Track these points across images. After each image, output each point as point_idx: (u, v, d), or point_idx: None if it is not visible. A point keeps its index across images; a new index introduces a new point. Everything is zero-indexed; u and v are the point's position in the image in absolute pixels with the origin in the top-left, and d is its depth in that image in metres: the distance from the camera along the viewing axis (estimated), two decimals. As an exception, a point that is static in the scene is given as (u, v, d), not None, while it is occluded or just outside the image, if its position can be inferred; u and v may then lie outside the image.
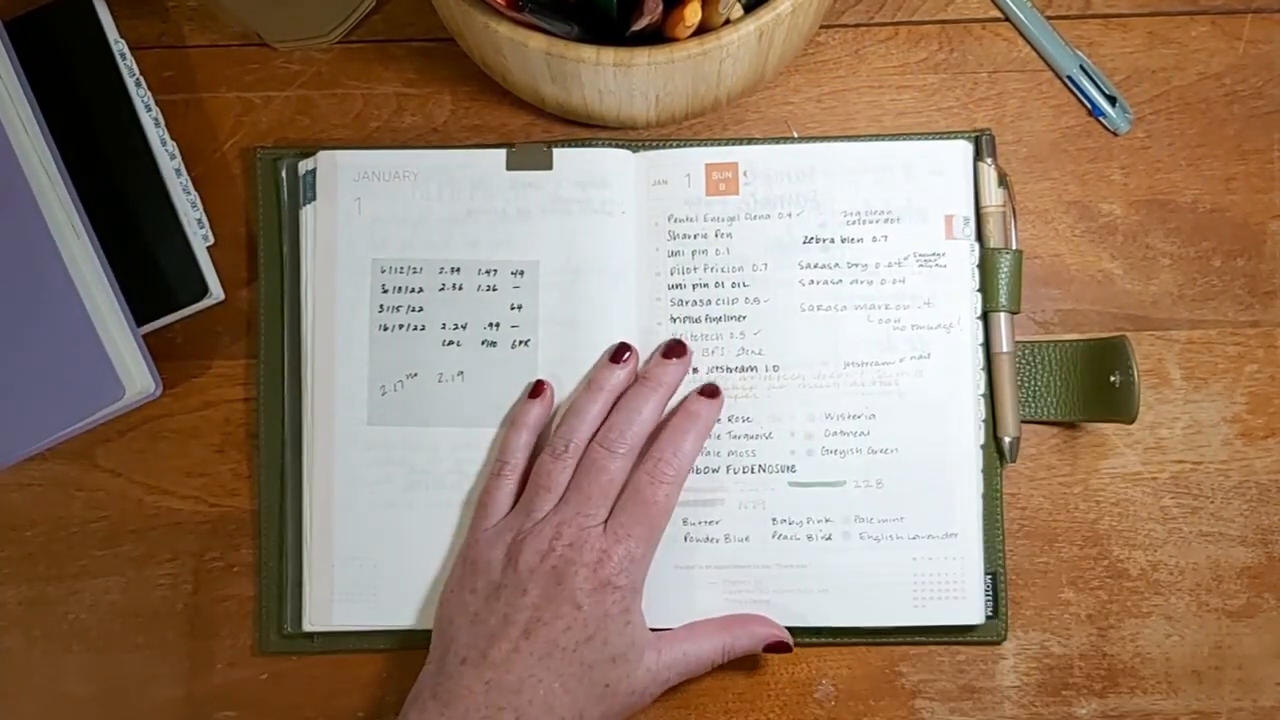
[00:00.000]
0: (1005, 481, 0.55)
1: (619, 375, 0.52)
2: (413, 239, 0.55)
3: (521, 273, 0.54)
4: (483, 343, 0.54)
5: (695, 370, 0.54)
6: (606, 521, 0.50)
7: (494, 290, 0.54)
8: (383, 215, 0.55)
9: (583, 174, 0.54)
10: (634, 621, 0.49)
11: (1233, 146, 0.57)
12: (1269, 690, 0.54)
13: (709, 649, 0.51)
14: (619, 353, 0.53)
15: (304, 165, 0.55)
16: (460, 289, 0.54)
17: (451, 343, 0.54)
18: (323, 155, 0.55)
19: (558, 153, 0.54)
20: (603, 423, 0.52)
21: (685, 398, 0.53)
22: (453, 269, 0.54)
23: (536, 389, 0.53)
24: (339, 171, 0.55)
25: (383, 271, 0.54)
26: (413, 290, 0.54)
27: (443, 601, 0.52)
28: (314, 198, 0.55)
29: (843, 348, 0.54)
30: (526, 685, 0.47)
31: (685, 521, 0.53)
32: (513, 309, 0.54)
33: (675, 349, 0.53)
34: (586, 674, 0.48)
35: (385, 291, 0.54)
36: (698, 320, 0.54)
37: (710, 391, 0.53)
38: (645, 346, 0.54)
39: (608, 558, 0.49)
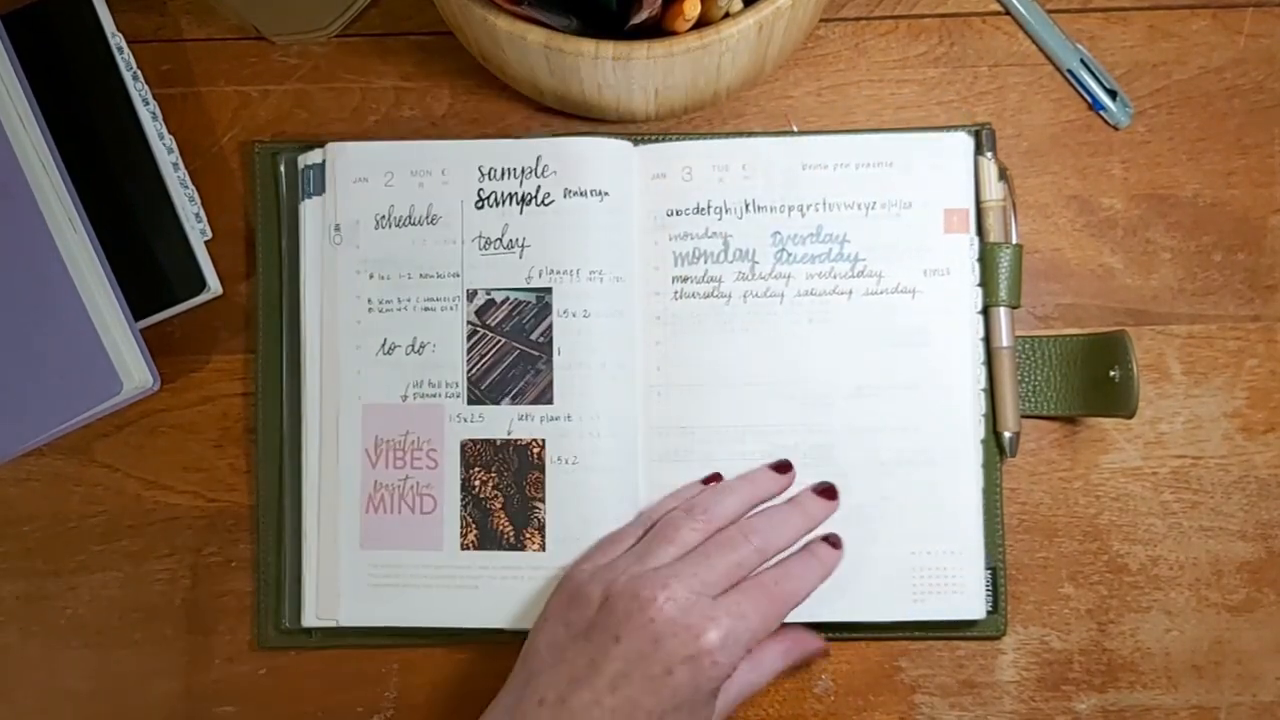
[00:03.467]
0: (1005, 476, 0.55)
1: (775, 483, 0.52)
2: (413, 233, 0.54)
3: (536, 268, 0.54)
4: (494, 342, 0.54)
5: (688, 365, 0.54)
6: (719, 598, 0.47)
7: (508, 284, 0.54)
8: (383, 210, 0.54)
9: (583, 166, 0.54)
10: (717, 695, 0.47)
11: (1233, 140, 0.57)
12: (1269, 685, 0.54)
13: (768, 672, 0.50)
14: (783, 467, 0.52)
15: (303, 159, 0.55)
16: (471, 285, 0.54)
17: (453, 344, 0.54)
18: (331, 147, 0.55)
19: (558, 144, 0.54)
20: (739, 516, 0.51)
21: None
22: (463, 263, 0.54)
23: (712, 478, 0.53)
24: (344, 163, 0.54)
25: (383, 266, 0.54)
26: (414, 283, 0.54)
27: (535, 627, 0.49)
28: (317, 191, 0.55)
29: (842, 342, 0.54)
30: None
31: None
32: (519, 310, 0.54)
33: (829, 491, 0.52)
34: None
35: (386, 285, 0.54)
36: (700, 312, 0.54)
37: (828, 492, 0.53)
38: (646, 342, 0.54)
39: (715, 627, 0.45)
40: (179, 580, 0.55)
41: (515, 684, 0.48)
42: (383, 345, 0.54)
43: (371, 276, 0.54)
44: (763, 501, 0.52)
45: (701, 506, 0.50)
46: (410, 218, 0.54)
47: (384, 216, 0.54)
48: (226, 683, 0.55)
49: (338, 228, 0.55)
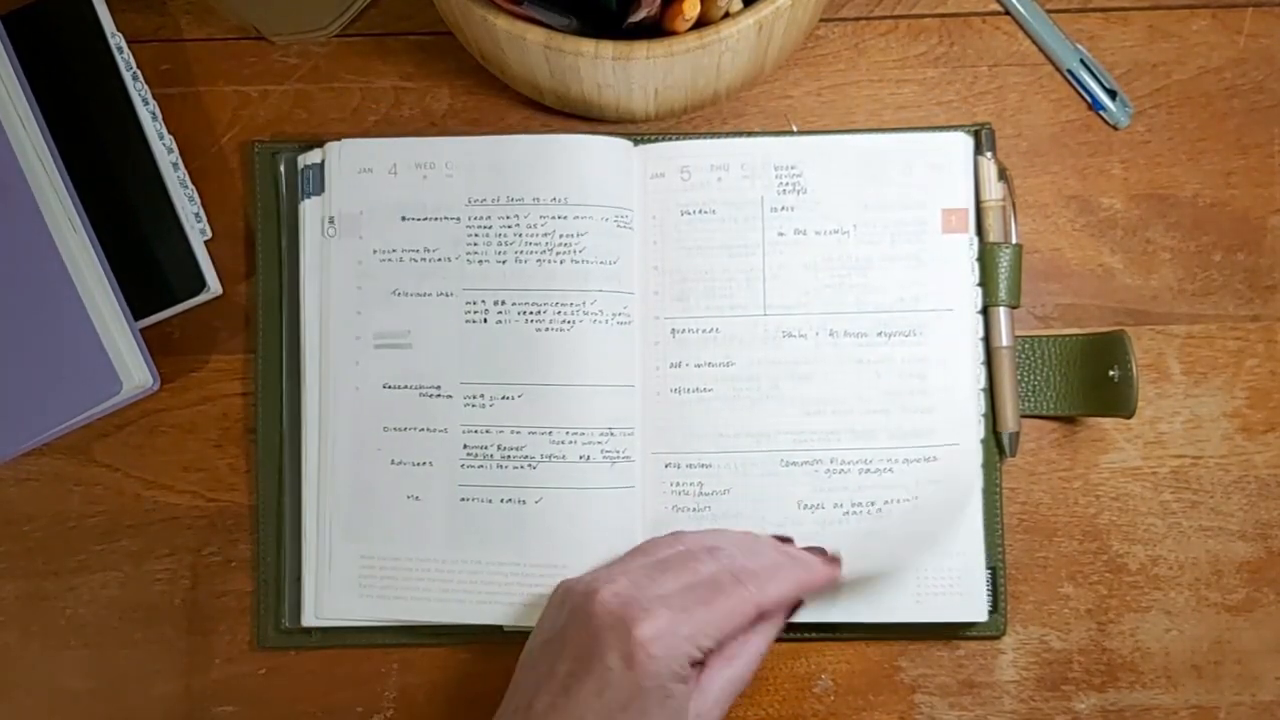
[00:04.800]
0: (1005, 476, 0.55)
1: (786, 553, 0.50)
2: (413, 226, 0.54)
3: (537, 268, 0.54)
4: (496, 339, 0.54)
5: (688, 363, 0.54)
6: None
7: (508, 283, 0.54)
8: (385, 202, 0.54)
9: (582, 165, 0.54)
10: (675, 695, 0.44)
11: (1233, 141, 0.57)
12: (1268, 685, 0.54)
13: (750, 661, 0.47)
14: (786, 540, 0.52)
15: (303, 159, 0.55)
16: (472, 283, 0.54)
17: (453, 341, 0.54)
18: (330, 146, 0.55)
19: (558, 143, 0.54)
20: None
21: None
22: (465, 260, 0.54)
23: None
24: (347, 156, 0.54)
25: (383, 263, 0.54)
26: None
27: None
28: (316, 191, 0.55)
29: (842, 341, 0.54)
30: None
31: (680, 509, 0.53)
32: (518, 308, 0.54)
33: (836, 561, 0.50)
34: None
35: (387, 286, 0.54)
36: (698, 313, 0.54)
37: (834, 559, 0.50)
38: (646, 339, 0.54)
39: (650, 620, 0.44)
40: (179, 580, 0.55)
41: (507, 694, 0.47)
42: (379, 337, 0.54)
43: (370, 269, 0.54)
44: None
45: (693, 534, 0.50)
46: (412, 210, 0.54)
47: (386, 208, 0.54)
48: (226, 682, 0.55)
49: (332, 220, 0.54)
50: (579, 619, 0.45)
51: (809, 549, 0.51)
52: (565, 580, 0.50)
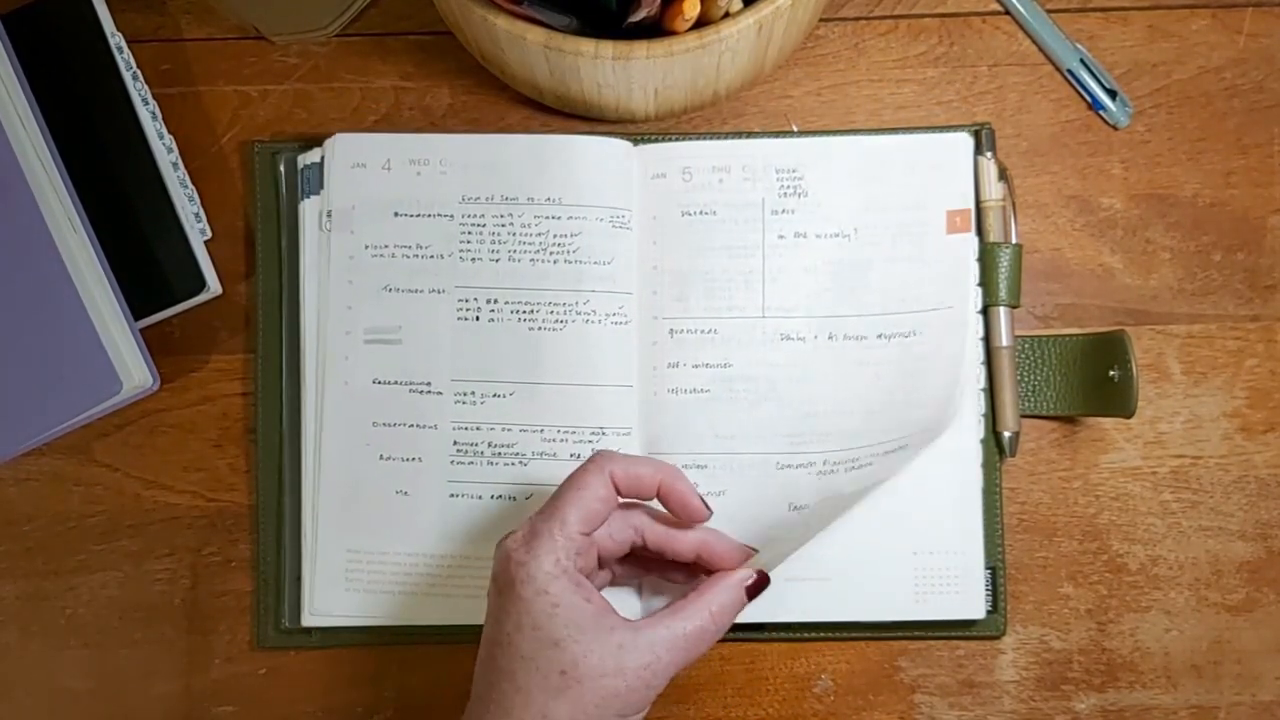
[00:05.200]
0: (1005, 476, 0.55)
1: (712, 534, 0.49)
2: (407, 222, 0.54)
3: (531, 266, 0.54)
4: (488, 334, 0.54)
5: (689, 364, 0.54)
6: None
7: (500, 281, 0.54)
8: (379, 196, 0.54)
9: (577, 166, 0.54)
10: (562, 604, 0.44)
11: (1233, 140, 0.57)
12: (1268, 685, 0.54)
13: (696, 619, 0.47)
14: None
15: (303, 159, 0.55)
16: (465, 280, 0.54)
17: (446, 339, 0.54)
18: (336, 138, 0.55)
19: (553, 143, 0.54)
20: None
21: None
22: (457, 258, 0.54)
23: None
24: (350, 154, 0.54)
25: (375, 258, 0.54)
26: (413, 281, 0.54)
27: None
28: (316, 190, 0.55)
29: (841, 344, 0.54)
30: (491, 693, 0.45)
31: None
32: (515, 305, 0.54)
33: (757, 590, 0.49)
34: (529, 665, 0.44)
35: (386, 288, 0.54)
36: (697, 314, 0.54)
37: (753, 588, 0.48)
38: (644, 339, 0.54)
39: (514, 533, 0.46)
40: (179, 580, 0.55)
41: None
42: (369, 332, 0.54)
43: (361, 263, 0.54)
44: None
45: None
46: (405, 206, 0.54)
47: (379, 204, 0.54)
48: (226, 682, 0.55)
49: (329, 214, 0.54)
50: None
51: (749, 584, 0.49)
52: None
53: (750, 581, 0.48)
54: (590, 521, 0.46)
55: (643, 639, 0.45)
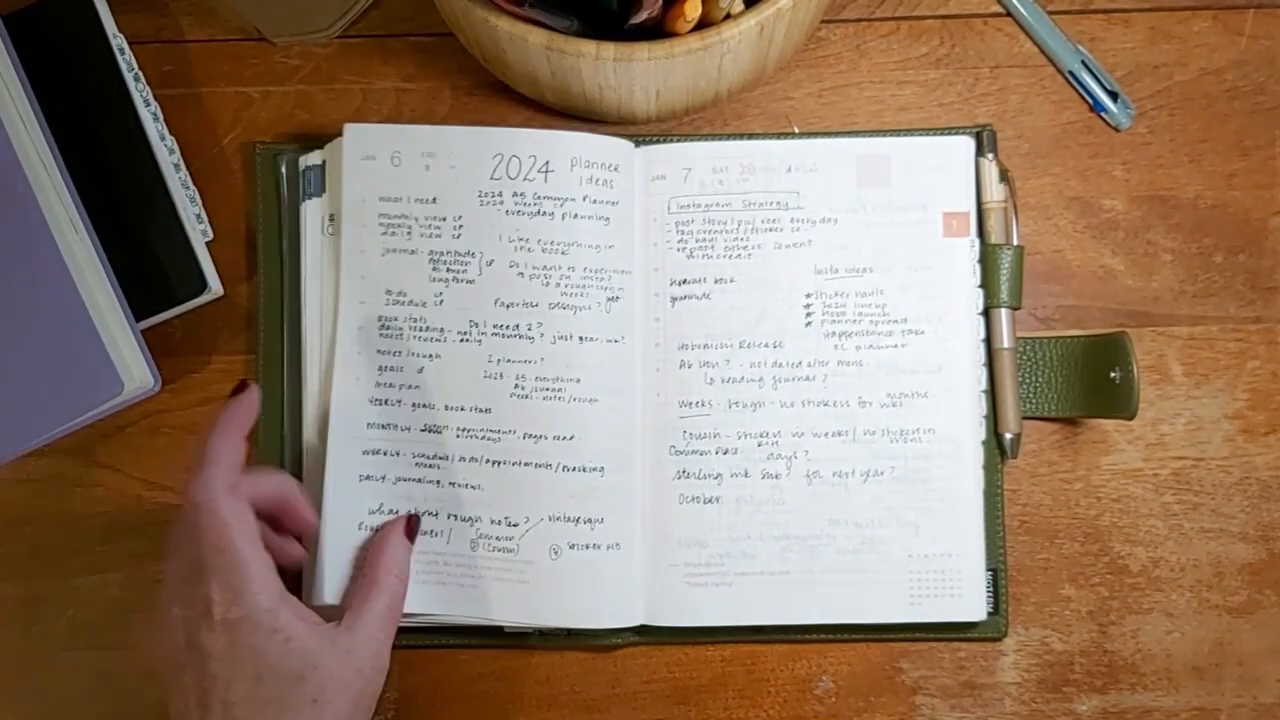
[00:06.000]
0: (1006, 478, 0.55)
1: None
2: (427, 220, 0.54)
3: (527, 264, 0.54)
4: (494, 332, 0.54)
5: (690, 364, 0.54)
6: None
7: (498, 282, 0.54)
8: (387, 191, 0.54)
9: (600, 164, 0.54)
10: (293, 636, 0.45)
11: (1234, 142, 0.57)
12: (1270, 687, 0.54)
13: (388, 589, 0.49)
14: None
15: (304, 160, 0.55)
16: (471, 275, 0.54)
17: (463, 330, 0.54)
18: (350, 128, 0.54)
19: (576, 138, 0.54)
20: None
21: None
22: (466, 253, 0.54)
23: (240, 386, 0.50)
24: (361, 146, 0.54)
25: (396, 253, 0.54)
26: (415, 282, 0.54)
27: None
28: (317, 192, 0.55)
29: (843, 343, 0.54)
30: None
31: (683, 506, 0.53)
32: (518, 303, 0.54)
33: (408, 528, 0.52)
34: (282, 708, 0.44)
35: (388, 289, 0.54)
36: (697, 316, 0.54)
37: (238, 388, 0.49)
38: (647, 340, 0.54)
39: (196, 593, 0.45)
40: (180, 581, 0.55)
41: None
42: (381, 326, 0.54)
43: (372, 258, 0.54)
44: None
45: None
46: (414, 202, 0.54)
47: (388, 198, 0.54)
48: (227, 683, 0.55)
49: (331, 218, 0.54)
50: (183, 653, 0.46)
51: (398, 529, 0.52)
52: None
53: (404, 527, 0.51)
54: (259, 541, 0.46)
55: (360, 634, 0.47)
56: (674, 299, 0.54)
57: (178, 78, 0.58)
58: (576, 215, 0.54)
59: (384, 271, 0.54)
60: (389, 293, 0.54)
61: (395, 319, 0.54)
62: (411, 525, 0.52)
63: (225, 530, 0.45)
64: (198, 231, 0.55)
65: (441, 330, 0.54)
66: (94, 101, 0.55)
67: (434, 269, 0.54)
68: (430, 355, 0.54)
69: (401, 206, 0.54)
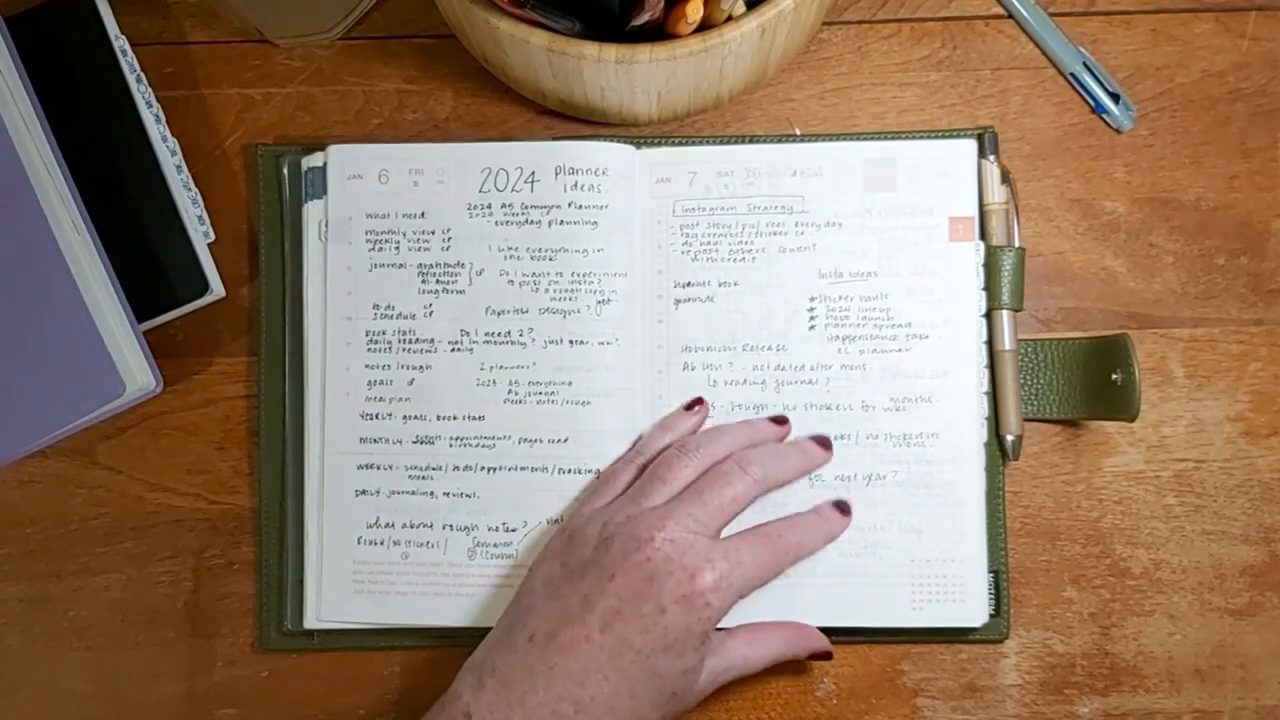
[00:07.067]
0: (1007, 480, 0.55)
1: (772, 432, 0.52)
2: (416, 235, 0.54)
3: (516, 272, 0.54)
4: (486, 339, 0.54)
5: (693, 366, 0.54)
6: (716, 539, 0.48)
7: (488, 291, 0.54)
8: (375, 209, 0.54)
9: (586, 170, 0.54)
10: (710, 638, 0.47)
11: (1236, 144, 0.57)
12: (1272, 689, 0.54)
13: (764, 654, 0.50)
14: (780, 420, 0.53)
15: (306, 161, 0.55)
16: (461, 286, 0.54)
17: (454, 340, 0.54)
18: (333, 149, 0.55)
19: (561, 147, 0.54)
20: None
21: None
22: (455, 264, 0.54)
23: (694, 403, 0.53)
24: (347, 165, 0.54)
25: (385, 267, 0.54)
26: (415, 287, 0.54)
27: (532, 568, 0.50)
28: (319, 194, 0.55)
29: (846, 346, 0.54)
30: (591, 679, 0.45)
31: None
32: (508, 310, 0.54)
33: (826, 442, 0.53)
34: (656, 682, 0.45)
35: (385, 293, 0.54)
36: (700, 319, 0.54)
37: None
38: (649, 342, 0.54)
39: (711, 570, 0.46)
40: (181, 582, 0.55)
41: (505, 621, 0.49)
42: (369, 340, 0.54)
43: (360, 275, 0.54)
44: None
45: (695, 444, 0.50)
46: (402, 218, 0.54)
47: (375, 215, 0.54)
48: (228, 685, 0.55)
49: (326, 224, 0.55)
50: (632, 562, 0.46)
51: (813, 437, 0.53)
52: (583, 510, 0.50)
53: (820, 651, 0.51)
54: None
55: (723, 664, 0.48)
56: (677, 301, 0.54)
57: (180, 79, 0.58)
58: (563, 221, 0.54)
59: (371, 286, 0.54)
60: (376, 307, 0.54)
61: (384, 332, 0.54)
62: (818, 654, 0.52)
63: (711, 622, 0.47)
64: (199, 233, 0.55)
65: (431, 341, 0.54)
66: (96, 103, 0.55)
67: (423, 281, 0.54)
68: (420, 366, 0.54)
69: (389, 222, 0.54)
